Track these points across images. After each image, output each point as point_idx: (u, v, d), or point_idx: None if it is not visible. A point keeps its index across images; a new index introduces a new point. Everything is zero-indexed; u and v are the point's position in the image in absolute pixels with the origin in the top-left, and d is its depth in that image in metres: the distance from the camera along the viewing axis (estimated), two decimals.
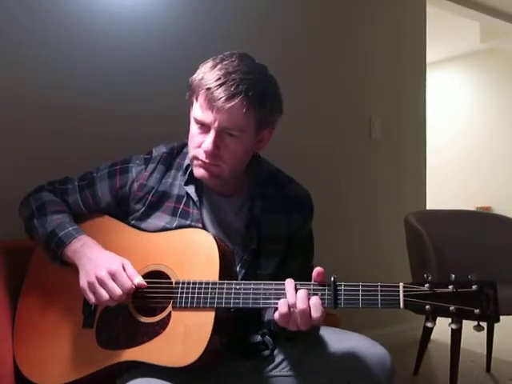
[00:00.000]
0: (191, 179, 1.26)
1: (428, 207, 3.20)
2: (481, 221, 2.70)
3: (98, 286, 1.11)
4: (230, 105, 1.11)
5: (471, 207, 4.93)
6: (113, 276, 1.11)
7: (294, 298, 1.04)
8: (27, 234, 1.29)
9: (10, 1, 1.74)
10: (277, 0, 2.45)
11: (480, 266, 2.41)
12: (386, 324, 2.78)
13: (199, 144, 1.18)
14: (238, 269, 1.23)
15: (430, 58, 3.27)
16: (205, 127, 1.16)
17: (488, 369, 2.58)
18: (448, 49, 5.58)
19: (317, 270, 1.07)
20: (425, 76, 3.18)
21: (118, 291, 1.11)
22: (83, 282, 1.14)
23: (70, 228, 1.21)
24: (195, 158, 1.19)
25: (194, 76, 1.18)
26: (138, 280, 1.13)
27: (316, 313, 1.03)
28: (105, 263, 1.13)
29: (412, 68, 3.10)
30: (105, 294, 1.11)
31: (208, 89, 1.12)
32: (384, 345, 1.18)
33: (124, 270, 1.13)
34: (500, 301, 0.99)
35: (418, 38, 3.13)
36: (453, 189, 5.70)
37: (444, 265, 2.32)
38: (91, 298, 1.13)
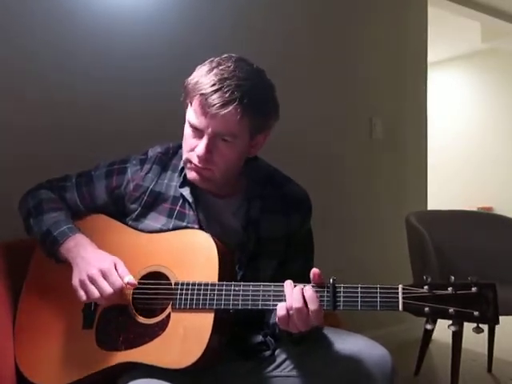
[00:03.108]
0: (186, 181, 1.25)
1: (429, 207, 3.20)
2: (482, 221, 2.70)
3: (88, 283, 1.12)
4: (223, 112, 1.10)
5: (472, 207, 4.92)
6: (104, 274, 1.12)
7: (291, 301, 1.04)
8: (26, 231, 1.30)
9: (12, 1, 1.75)
10: (278, 1, 2.45)
11: (481, 266, 2.42)
12: (387, 324, 2.78)
13: (192, 147, 1.18)
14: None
15: (430, 58, 3.26)
16: (198, 131, 1.16)
17: (489, 369, 2.58)
18: (449, 49, 5.57)
19: (313, 271, 1.06)
20: (426, 76, 3.17)
21: (108, 289, 1.11)
22: (75, 280, 1.15)
23: (65, 227, 1.22)
24: (188, 161, 1.20)
25: (190, 78, 1.17)
26: (128, 278, 1.14)
27: (312, 305, 1.02)
28: (97, 262, 1.14)
29: (413, 68, 3.10)
30: (95, 292, 1.12)
31: (202, 94, 1.11)
32: (385, 345, 1.18)
33: (116, 268, 1.14)
34: (501, 301, 0.98)
35: (419, 38, 3.13)
36: (454, 189, 5.69)
37: (445, 265, 2.31)
38: (82, 295, 1.13)
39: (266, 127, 1.22)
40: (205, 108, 1.11)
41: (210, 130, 1.14)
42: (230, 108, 1.10)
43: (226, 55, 1.18)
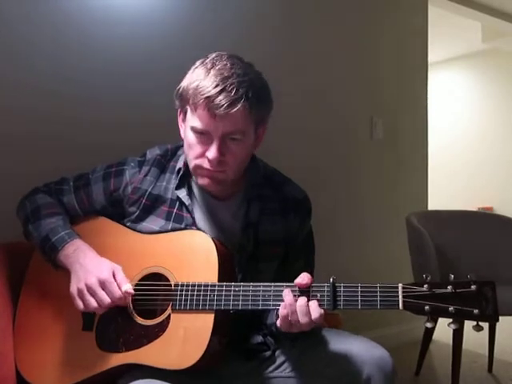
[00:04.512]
0: (182, 183, 1.25)
1: (430, 207, 3.19)
2: (482, 221, 2.70)
3: (86, 293, 1.12)
4: (233, 111, 1.09)
5: (473, 207, 4.93)
6: (102, 284, 1.11)
7: (294, 309, 1.04)
8: (25, 237, 1.29)
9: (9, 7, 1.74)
10: (277, 2, 2.44)
11: (481, 266, 2.42)
12: (387, 324, 2.78)
13: (201, 153, 1.16)
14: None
15: (431, 58, 3.26)
16: (205, 136, 1.14)
17: (490, 369, 2.58)
18: (449, 49, 5.57)
19: (295, 282, 1.07)
20: (427, 76, 3.17)
21: (106, 300, 1.11)
22: (73, 288, 1.14)
23: (63, 232, 1.21)
24: (199, 167, 1.17)
25: (186, 84, 1.15)
26: (126, 288, 1.13)
27: (315, 314, 1.03)
28: (95, 270, 1.13)
29: (414, 68, 3.09)
30: (93, 302, 1.11)
31: (207, 97, 1.09)
32: (385, 345, 1.18)
33: (114, 277, 1.13)
34: (501, 301, 0.99)
35: (419, 38, 3.13)
36: (454, 189, 5.69)
37: (445, 265, 2.32)
38: (80, 304, 1.13)
39: (265, 120, 1.23)
40: (212, 110, 1.10)
41: (219, 131, 1.12)
42: (239, 106, 1.09)
43: (215, 54, 1.17)
